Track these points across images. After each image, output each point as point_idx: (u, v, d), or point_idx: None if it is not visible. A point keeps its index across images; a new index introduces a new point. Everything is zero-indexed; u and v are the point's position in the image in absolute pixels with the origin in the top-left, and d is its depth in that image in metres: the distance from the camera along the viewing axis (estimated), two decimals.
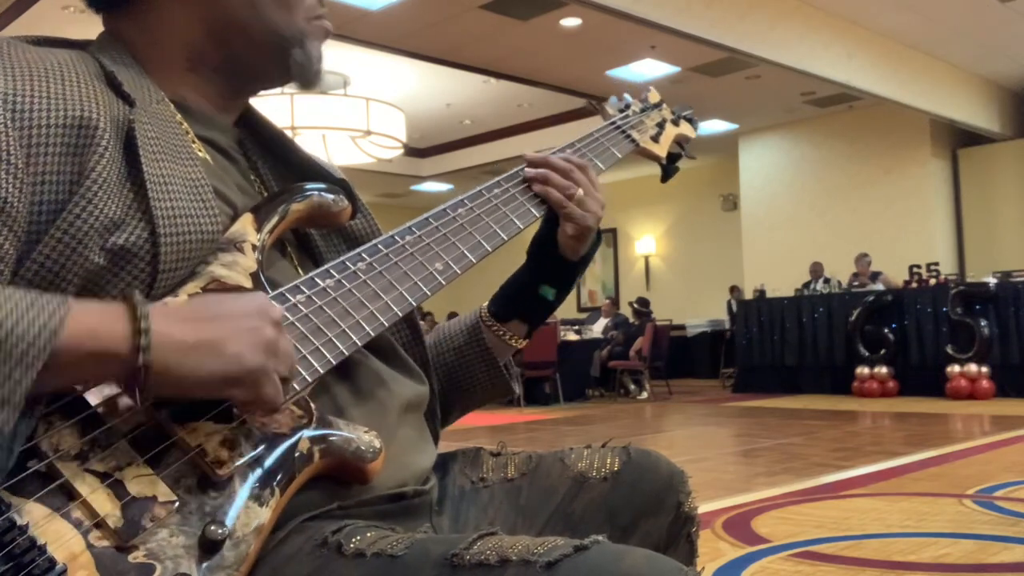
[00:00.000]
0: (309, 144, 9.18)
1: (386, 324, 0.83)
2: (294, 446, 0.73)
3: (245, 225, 0.80)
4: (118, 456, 0.65)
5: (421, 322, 1.01)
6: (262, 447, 0.72)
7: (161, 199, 0.73)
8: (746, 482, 4.30)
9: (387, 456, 0.80)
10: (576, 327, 11.09)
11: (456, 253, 0.91)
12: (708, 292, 13.62)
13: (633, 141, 1.17)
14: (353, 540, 0.73)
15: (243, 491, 0.69)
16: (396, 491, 0.85)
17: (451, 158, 13.36)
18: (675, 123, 1.25)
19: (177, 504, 0.66)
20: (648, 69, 9.47)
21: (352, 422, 0.80)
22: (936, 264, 9.56)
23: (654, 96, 1.26)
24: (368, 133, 9.32)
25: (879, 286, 9.75)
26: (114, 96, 0.77)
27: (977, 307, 8.66)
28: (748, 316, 10.50)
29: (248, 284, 0.77)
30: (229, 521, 0.67)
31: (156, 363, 0.63)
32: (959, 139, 11.43)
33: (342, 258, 0.85)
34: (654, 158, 1.21)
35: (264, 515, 0.69)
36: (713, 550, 2.83)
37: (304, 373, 0.75)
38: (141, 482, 0.65)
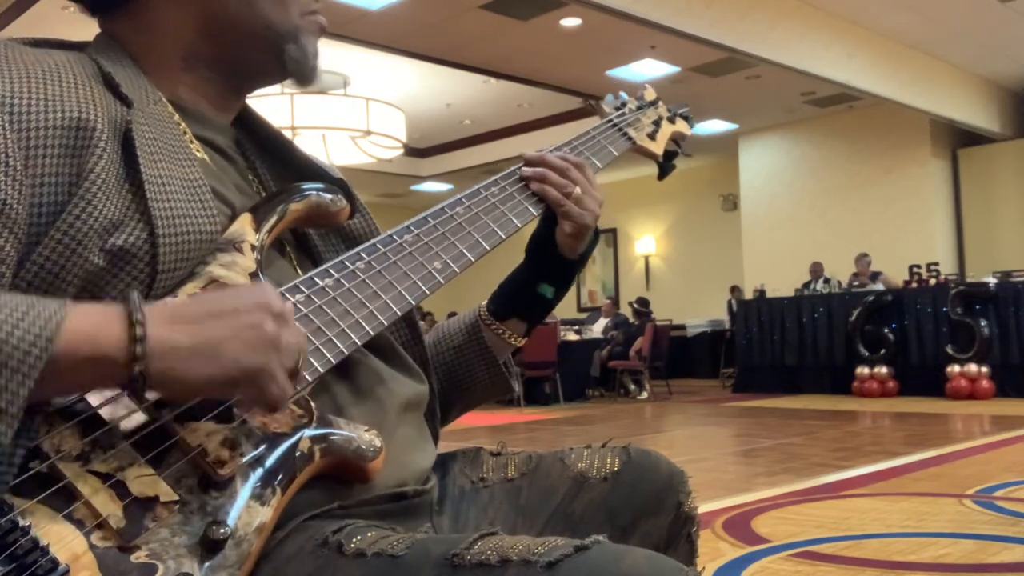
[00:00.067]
0: (309, 144, 9.18)
1: (385, 323, 0.83)
2: (295, 445, 0.74)
3: (244, 225, 0.80)
4: (120, 457, 0.65)
5: (421, 322, 1.01)
6: (263, 447, 0.72)
7: (159, 200, 0.73)
8: (746, 482, 4.30)
9: (387, 455, 0.80)
10: (576, 327, 11.09)
11: (455, 252, 0.91)
12: (708, 292, 13.62)
13: (630, 139, 1.17)
14: (354, 540, 0.73)
15: (244, 491, 0.69)
16: (396, 490, 0.85)
17: (451, 158, 13.37)
18: (671, 121, 1.25)
19: (179, 504, 0.66)
20: (648, 69, 9.47)
21: (352, 421, 0.80)
22: (936, 264, 9.56)
23: (650, 94, 1.26)
24: (368, 133, 9.32)
25: (879, 286, 9.75)
26: (112, 97, 0.77)
27: (977, 307, 8.66)
28: (748, 316, 10.51)
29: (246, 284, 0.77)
30: (231, 521, 0.67)
31: (153, 369, 0.63)
32: (959, 139, 11.43)
33: (341, 257, 0.85)
34: (651, 156, 1.21)
35: (266, 514, 0.70)
36: (713, 550, 2.83)
37: (304, 372, 0.75)
38: (143, 482, 0.65)
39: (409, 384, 0.92)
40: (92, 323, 0.62)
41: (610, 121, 1.17)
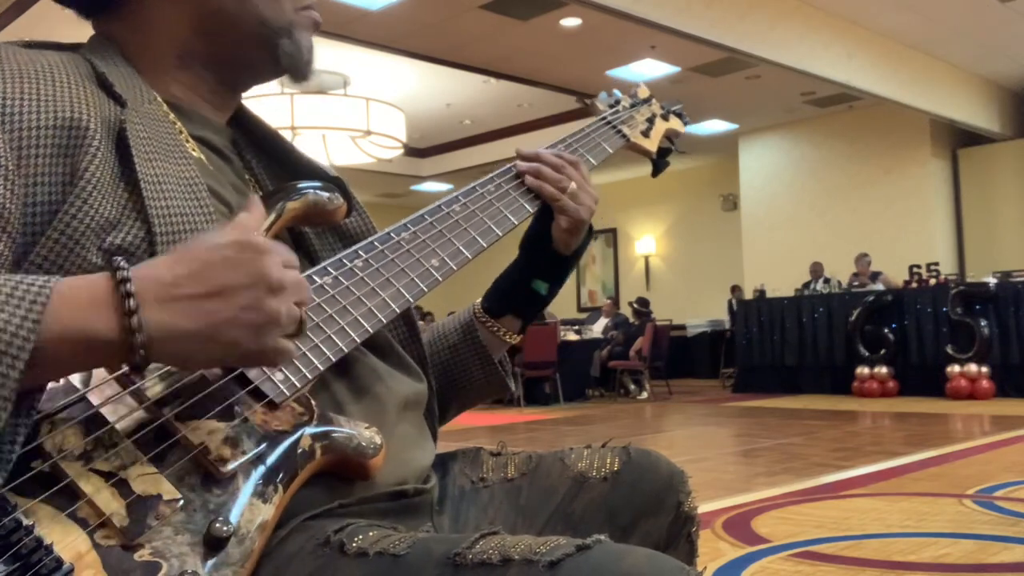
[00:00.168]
0: (309, 144, 9.19)
1: (384, 321, 0.83)
2: (296, 443, 0.74)
3: None
4: (122, 455, 0.65)
5: (420, 322, 1.01)
6: (264, 444, 0.72)
7: (156, 198, 0.74)
8: (746, 482, 4.30)
9: (387, 453, 0.81)
10: (576, 327, 11.09)
11: (452, 249, 0.92)
12: (708, 292, 13.62)
13: (624, 136, 1.18)
14: (355, 539, 0.73)
15: (246, 488, 0.69)
16: (397, 489, 0.85)
17: (451, 158, 13.37)
18: (665, 118, 1.26)
19: (182, 502, 0.66)
20: (648, 69, 9.48)
21: (351, 418, 0.80)
22: (936, 264, 9.56)
23: (643, 92, 1.27)
24: (368, 133, 9.33)
25: (879, 286, 9.75)
26: (105, 97, 0.77)
27: (977, 307, 8.66)
28: (748, 316, 10.51)
29: None
30: (233, 518, 0.67)
31: (153, 353, 0.62)
32: (959, 139, 11.43)
33: (339, 256, 0.85)
34: (644, 153, 1.22)
35: (268, 512, 0.70)
36: (713, 550, 2.83)
37: (305, 370, 0.76)
38: (145, 481, 0.65)
39: (407, 382, 0.92)
40: (82, 303, 0.60)
41: (604, 119, 1.18)
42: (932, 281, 9.25)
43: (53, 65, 0.75)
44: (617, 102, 1.22)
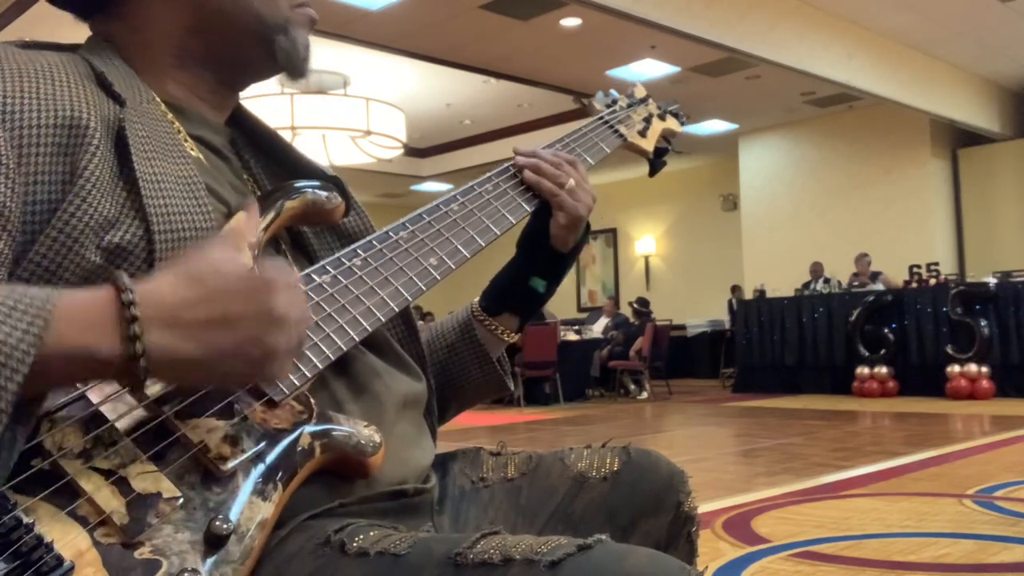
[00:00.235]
0: (309, 144, 9.19)
1: (383, 319, 0.83)
2: (295, 441, 0.74)
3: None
4: (122, 453, 0.65)
5: (420, 322, 1.01)
6: (264, 443, 0.72)
7: (154, 197, 0.74)
8: (746, 482, 4.30)
9: (386, 451, 0.81)
10: (576, 327, 11.09)
11: (450, 248, 0.92)
12: (708, 292, 13.62)
13: (621, 136, 1.18)
14: (356, 539, 0.73)
15: (246, 486, 0.69)
16: (397, 488, 0.85)
17: (451, 158, 13.37)
18: (661, 118, 1.26)
19: (181, 500, 0.66)
20: (648, 69, 9.48)
21: (351, 417, 0.81)
22: (936, 264, 9.56)
23: (640, 91, 1.27)
24: (368, 133, 9.33)
25: (879, 286, 9.75)
26: (104, 96, 0.77)
27: (977, 307, 8.66)
28: (748, 316, 10.51)
29: None
30: (233, 516, 0.67)
31: (153, 374, 0.63)
32: (959, 139, 11.44)
33: (338, 254, 0.86)
34: (641, 152, 1.22)
35: (267, 510, 0.70)
36: (713, 550, 2.83)
37: (304, 369, 0.76)
38: (145, 479, 0.65)
39: (406, 381, 0.92)
40: (84, 322, 0.60)
41: (601, 118, 1.18)
42: (932, 281, 9.25)
43: (52, 65, 0.76)
44: (614, 102, 1.23)
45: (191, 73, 0.88)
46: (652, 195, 14.15)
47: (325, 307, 0.80)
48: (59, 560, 0.59)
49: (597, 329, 11.48)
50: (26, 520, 0.60)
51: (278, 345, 0.66)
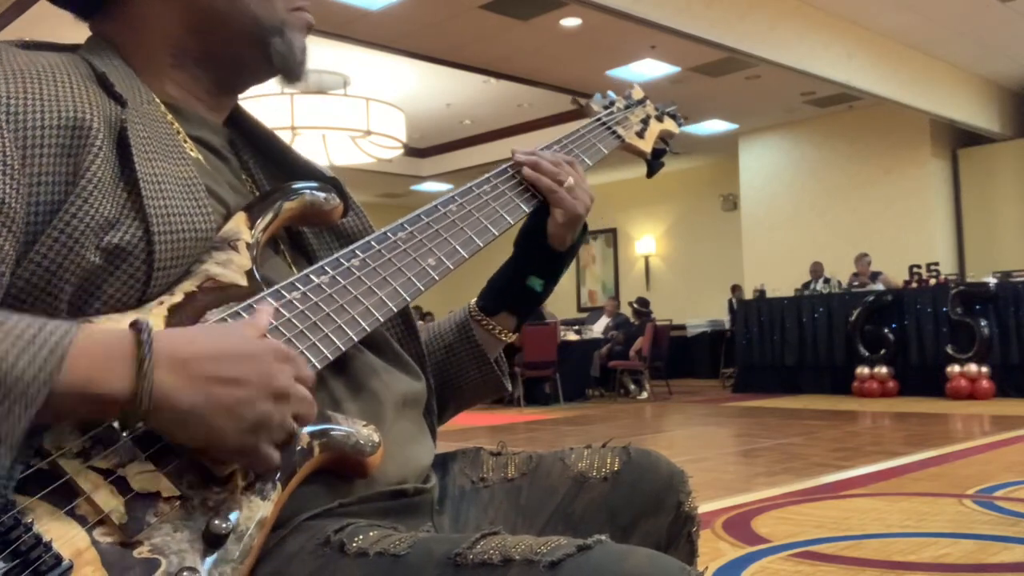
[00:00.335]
0: (309, 144, 9.19)
1: (381, 319, 0.83)
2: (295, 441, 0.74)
3: (239, 223, 0.81)
4: (120, 453, 0.66)
5: (420, 322, 1.01)
6: None
7: (154, 198, 0.74)
8: (746, 482, 4.30)
9: (385, 450, 0.81)
10: (576, 327, 11.09)
11: (448, 248, 0.92)
12: (708, 292, 13.62)
13: (618, 137, 1.18)
14: (355, 539, 0.73)
15: (245, 486, 0.69)
16: (397, 488, 0.85)
17: (451, 158, 13.37)
18: (659, 119, 1.26)
19: (180, 499, 0.66)
20: (648, 69, 9.48)
21: (349, 416, 0.81)
22: (936, 264, 9.56)
23: (638, 93, 1.27)
24: (368, 133, 9.33)
25: (879, 286, 9.75)
26: (106, 97, 0.77)
27: (977, 307, 8.66)
28: (748, 316, 10.51)
29: (243, 282, 0.78)
30: (232, 516, 0.67)
31: (149, 418, 0.64)
32: (959, 139, 11.44)
33: (336, 255, 0.86)
34: (639, 154, 1.22)
35: (266, 509, 0.70)
36: (713, 550, 2.83)
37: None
38: (144, 478, 0.65)
39: (405, 380, 0.92)
40: (98, 358, 0.62)
41: (599, 120, 1.18)
42: (932, 281, 9.25)
43: (54, 66, 0.76)
44: (612, 103, 1.23)
45: (188, 73, 0.88)
46: (652, 195, 14.15)
47: (324, 307, 0.80)
48: (58, 559, 0.60)
49: (598, 329, 11.48)
50: (25, 519, 0.60)
51: (271, 417, 0.68)
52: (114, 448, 0.65)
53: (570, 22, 8.22)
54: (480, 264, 1.09)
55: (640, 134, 1.21)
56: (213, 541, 0.65)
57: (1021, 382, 8.43)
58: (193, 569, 0.63)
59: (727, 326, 12.35)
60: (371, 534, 0.74)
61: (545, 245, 1.04)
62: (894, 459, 4.83)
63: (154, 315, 0.72)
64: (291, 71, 0.91)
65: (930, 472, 4.38)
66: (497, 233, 0.97)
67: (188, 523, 0.65)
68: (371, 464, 0.80)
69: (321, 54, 8.72)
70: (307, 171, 0.93)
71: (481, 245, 0.95)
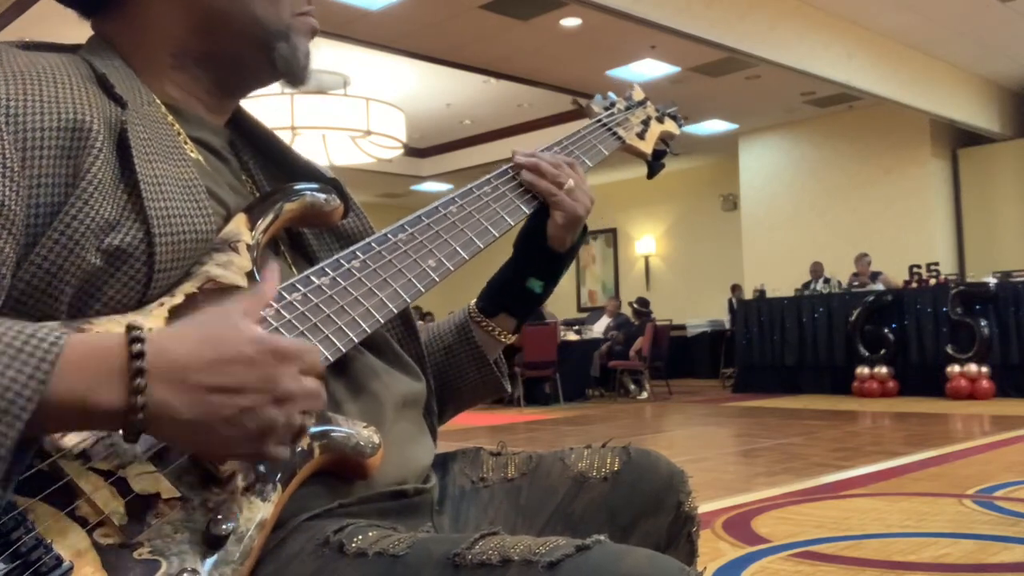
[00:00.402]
0: (309, 144, 9.19)
1: (381, 320, 0.84)
2: None
3: (239, 225, 0.81)
4: (121, 454, 0.66)
5: (419, 322, 1.01)
6: None
7: (155, 199, 0.74)
8: (746, 482, 4.30)
9: (385, 451, 0.81)
10: (576, 327, 11.09)
11: (449, 250, 0.92)
12: (708, 292, 13.62)
13: (619, 138, 1.18)
14: (355, 540, 0.73)
15: (245, 487, 0.70)
16: (397, 488, 0.85)
17: (451, 158, 13.37)
18: (660, 120, 1.26)
19: (180, 501, 0.66)
20: (648, 69, 9.48)
21: (349, 417, 0.81)
22: (936, 264, 9.56)
23: (638, 94, 1.27)
24: (368, 133, 9.33)
25: (879, 286, 9.75)
26: (106, 98, 0.77)
27: (977, 307, 8.66)
28: (748, 316, 10.51)
29: (244, 283, 0.78)
30: (232, 517, 0.67)
31: (147, 430, 0.63)
32: (959, 139, 11.44)
33: (337, 256, 0.86)
34: (640, 155, 1.22)
35: (267, 510, 0.70)
36: (713, 550, 2.83)
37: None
38: (144, 479, 0.65)
39: (405, 381, 0.92)
40: (88, 368, 0.60)
41: (599, 121, 1.18)
42: (932, 281, 9.25)
43: (54, 67, 0.75)
44: (612, 104, 1.23)
45: (189, 74, 0.88)
46: (652, 195, 14.15)
47: (324, 309, 0.81)
48: (58, 560, 0.59)
49: (598, 329, 11.48)
50: (25, 521, 0.60)
51: (276, 421, 0.66)
52: (114, 449, 0.65)
53: (570, 22, 8.22)
54: (480, 265, 1.09)
55: (641, 135, 1.21)
56: (213, 542, 0.65)
57: (1021, 382, 8.43)
58: (194, 570, 0.63)
59: (727, 326, 12.35)
60: (370, 534, 0.74)
61: (545, 246, 1.04)
62: (894, 459, 4.83)
63: (154, 317, 0.72)
64: (295, 75, 0.91)
65: (930, 472, 4.38)
66: (497, 234, 0.97)
67: (188, 524, 0.65)
68: (371, 465, 0.80)
69: (321, 54, 8.72)
70: (307, 172, 0.93)
71: (481, 246, 0.95)
